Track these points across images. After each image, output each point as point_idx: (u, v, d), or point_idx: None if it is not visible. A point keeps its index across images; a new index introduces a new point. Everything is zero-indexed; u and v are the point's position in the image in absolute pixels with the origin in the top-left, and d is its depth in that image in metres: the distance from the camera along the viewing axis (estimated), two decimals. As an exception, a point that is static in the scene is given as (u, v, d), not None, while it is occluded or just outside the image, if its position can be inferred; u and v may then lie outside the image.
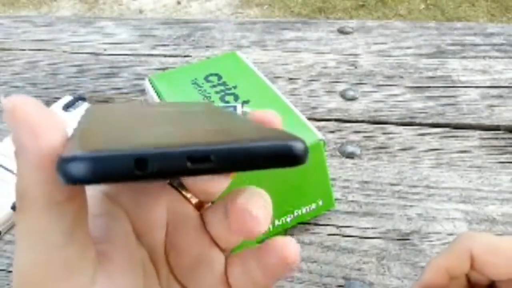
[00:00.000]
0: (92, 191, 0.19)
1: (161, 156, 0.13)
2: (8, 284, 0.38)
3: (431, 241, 0.39)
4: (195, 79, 0.45)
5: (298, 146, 0.14)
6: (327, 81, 0.58)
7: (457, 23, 0.70)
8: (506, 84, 0.56)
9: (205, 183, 0.19)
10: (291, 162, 0.14)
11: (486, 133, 0.49)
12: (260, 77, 0.45)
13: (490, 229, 0.40)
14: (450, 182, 0.44)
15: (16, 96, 0.14)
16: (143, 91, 0.58)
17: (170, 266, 0.20)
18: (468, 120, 0.51)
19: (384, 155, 0.47)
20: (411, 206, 0.42)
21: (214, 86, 0.44)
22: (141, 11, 2.30)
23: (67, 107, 0.54)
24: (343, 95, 0.55)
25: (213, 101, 0.42)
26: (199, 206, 0.20)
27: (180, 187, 0.20)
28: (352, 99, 0.55)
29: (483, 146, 0.47)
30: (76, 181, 0.12)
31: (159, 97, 0.43)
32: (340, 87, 0.57)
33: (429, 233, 0.40)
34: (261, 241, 0.19)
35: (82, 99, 0.55)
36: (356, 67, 0.60)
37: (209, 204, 0.20)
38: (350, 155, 0.47)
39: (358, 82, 0.57)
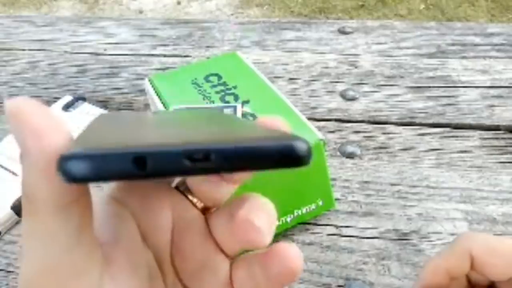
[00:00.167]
0: (99, 194, 0.19)
1: (159, 154, 0.13)
2: (7, 284, 0.38)
3: (431, 241, 0.39)
4: (195, 79, 0.45)
5: (301, 146, 0.13)
6: (327, 81, 0.58)
7: (457, 23, 0.70)
8: (506, 84, 0.55)
9: (211, 188, 0.19)
10: (294, 162, 0.13)
11: (486, 133, 0.49)
12: (260, 77, 0.45)
13: (490, 229, 0.40)
14: (450, 182, 0.44)
15: (19, 98, 0.14)
16: (143, 91, 0.58)
17: (176, 270, 0.20)
18: (468, 120, 0.51)
19: (384, 155, 0.47)
20: (411, 206, 0.42)
21: (214, 86, 0.44)
22: (141, 11, 2.30)
23: (67, 107, 0.54)
24: (343, 95, 0.55)
25: (213, 101, 0.42)
26: (205, 211, 0.20)
27: (186, 191, 0.20)
28: (352, 99, 0.55)
29: (483, 146, 0.47)
30: (76, 179, 0.12)
31: (159, 97, 0.43)
32: (340, 87, 0.57)
33: (429, 233, 0.40)
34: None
35: (82, 99, 0.55)
36: (356, 67, 0.60)
37: (215, 209, 0.20)
38: (350, 155, 0.47)
39: (358, 82, 0.57)
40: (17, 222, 0.43)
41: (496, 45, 0.62)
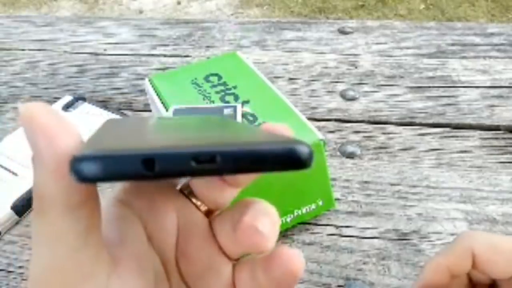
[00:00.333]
0: (106, 197, 0.19)
1: (167, 156, 0.13)
2: (7, 284, 0.38)
3: (431, 241, 0.39)
4: (195, 79, 0.45)
5: (303, 149, 0.14)
6: (327, 81, 0.58)
7: (457, 23, 0.70)
8: (506, 84, 0.55)
9: (214, 191, 0.19)
10: (296, 165, 0.14)
11: (486, 133, 0.49)
12: (260, 77, 0.44)
13: (490, 229, 0.40)
14: (450, 182, 0.44)
15: (32, 103, 0.15)
16: (143, 91, 0.58)
17: (180, 271, 0.20)
18: (469, 120, 0.51)
19: (384, 155, 0.47)
20: (411, 206, 0.42)
21: (214, 86, 0.44)
22: (141, 11, 2.30)
23: (67, 107, 0.54)
24: (343, 95, 0.55)
25: (213, 101, 0.42)
26: (209, 214, 0.20)
27: (190, 195, 0.20)
28: (352, 99, 0.55)
29: (483, 146, 0.47)
30: (88, 179, 0.13)
31: (159, 97, 0.43)
32: (340, 87, 0.57)
33: (429, 233, 0.40)
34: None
35: (82, 99, 0.55)
36: (356, 67, 0.60)
37: (218, 212, 0.20)
38: (350, 155, 0.47)
39: (358, 82, 0.57)
40: (17, 222, 0.43)
41: (496, 45, 0.62)
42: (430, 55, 0.61)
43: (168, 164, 0.13)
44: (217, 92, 0.43)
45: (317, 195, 0.39)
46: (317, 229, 0.41)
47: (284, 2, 2.30)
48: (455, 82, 0.56)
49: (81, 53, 0.67)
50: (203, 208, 0.20)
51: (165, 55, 0.65)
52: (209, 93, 0.43)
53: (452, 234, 0.39)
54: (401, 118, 0.52)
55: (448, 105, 0.53)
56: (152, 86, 0.44)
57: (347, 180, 0.45)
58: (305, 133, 0.38)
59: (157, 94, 0.43)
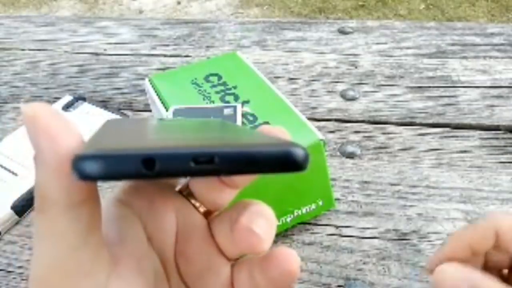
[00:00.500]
0: (107, 198, 0.20)
1: (167, 156, 0.14)
2: (7, 284, 0.38)
3: (431, 241, 0.39)
4: (195, 79, 0.45)
5: (298, 152, 0.14)
6: (327, 81, 0.58)
7: (457, 23, 0.70)
8: (506, 84, 0.56)
9: (213, 192, 0.20)
10: (291, 167, 0.14)
11: (486, 133, 0.49)
12: (260, 77, 0.45)
13: (490, 229, 0.40)
14: (450, 182, 0.44)
15: (35, 104, 0.15)
16: (143, 91, 0.58)
17: (179, 271, 0.20)
18: (468, 120, 0.51)
19: (384, 155, 0.47)
20: (411, 206, 0.42)
21: (214, 86, 0.44)
22: (141, 11, 2.30)
23: (67, 107, 0.54)
24: (343, 95, 0.55)
25: (213, 101, 0.42)
26: (207, 215, 0.20)
27: (189, 196, 0.20)
28: (352, 99, 0.55)
29: (483, 146, 0.47)
30: (89, 177, 0.13)
31: (159, 97, 0.43)
32: (340, 87, 0.57)
33: (429, 233, 0.40)
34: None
35: (82, 99, 0.55)
36: (356, 67, 0.60)
37: (217, 213, 0.21)
38: (350, 155, 0.47)
39: (358, 82, 0.57)
40: (17, 222, 0.43)
41: (496, 45, 0.62)
42: (430, 55, 0.61)
43: (168, 164, 0.14)
44: (217, 92, 0.43)
45: (317, 195, 0.39)
46: (317, 229, 0.41)
47: (284, 2, 2.30)
48: (455, 82, 0.56)
49: (81, 53, 0.67)
50: (202, 209, 0.20)
51: (165, 55, 0.65)
52: (209, 93, 0.43)
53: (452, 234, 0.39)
54: (401, 118, 0.52)
55: (448, 105, 0.53)
56: (152, 86, 0.44)
57: (347, 180, 0.45)
58: (305, 133, 0.38)
59: (157, 94, 0.43)
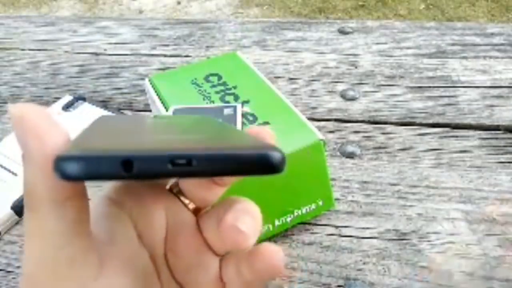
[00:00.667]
0: (97, 196, 0.20)
1: (145, 158, 0.14)
2: (7, 284, 0.38)
3: (431, 241, 0.39)
4: (195, 79, 0.45)
5: (274, 155, 0.15)
6: (327, 81, 0.58)
7: (457, 23, 0.70)
8: (506, 84, 0.56)
9: (201, 190, 0.20)
10: (268, 170, 0.15)
11: (486, 133, 0.49)
12: (260, 77, 0.45)
13: (490, 229, 0.40)
14: (450, 182, 0.44)
15: (22, 104, 0.16)
16: (143, 91, 0.58)
17: (169, 267, 0.21)
18: (468, 120, 0.51)
19: (384, 155, 0.47)
20: (411, 206, 0.42)
21: (214, 86, 0.44)
22: (141, 11, 2.30)
23: (67, 107, 0.54)
24: (343, 95, 0.55)
25: (213, 101, 0.42)
26: (196, 212, 0.21)
27: (179, 194, 0.21)
28: (352, 99, 0.55)
29: (483, 146, 0.47)
30: (70, 178, 0.14)
31: (159, 97, 0.43)
32: (340, 87, 0.57)
33: (429, 233, 0.40)
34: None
35: (82, 99, 0.55)
36: (356, 67, 0.60)
37: (205, 210, 0.21)
38: (350, 155, 0.47)
39: (358, 82, 0.57)
40: (17, 222, 0.43)
41: (496, 45, 0.62)
42: (430, 55, 0.61)
43: (145, 166, 0.14)
44: (217, 92, 0.43)
45: (317, 195, 0.39)
46: (317, 229, 0.41)
47: (284, 2, 2.29)
48: (455, 82, 0.56)
49: (81, 53, 0.67)
50: (191, 206, 0.21)
51: (165, 55, 0.65)
52: (209, 93, 0.43)
53: (452, 234, 0.39)
54: (401, 118, 0.52)
55: (448, 105, 0.53)
56: (152, 86, 0.44)
57: (347, 180, 0.45)
58: (305, 133, 0.38)
59: (157, 94, 0.43)
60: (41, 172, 0.15)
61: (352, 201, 0.43)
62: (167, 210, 0.20)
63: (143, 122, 0.22)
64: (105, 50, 0.67)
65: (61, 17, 0.77)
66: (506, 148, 0.47)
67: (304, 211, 0.39)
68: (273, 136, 0.19)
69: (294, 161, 0.36)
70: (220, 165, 0.14)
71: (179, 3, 2.35)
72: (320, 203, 0.40)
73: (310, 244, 0.39)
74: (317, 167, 0.38)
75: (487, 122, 0.50)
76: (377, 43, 0.64)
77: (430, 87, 0.56)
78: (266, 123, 0.39)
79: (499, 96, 0.54)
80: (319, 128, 0.49)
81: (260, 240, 0.21)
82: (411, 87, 0.56)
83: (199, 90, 0.43)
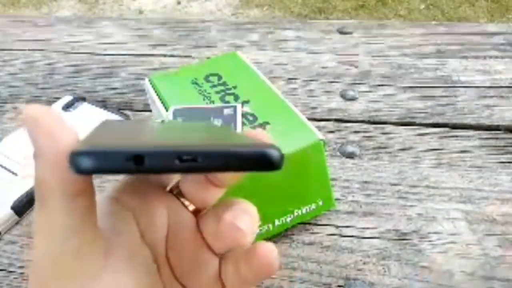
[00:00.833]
0: (103, 196, 0.21)
1: (155, 154, 0.15)
2: (8, 284, 0.38)
3: (431, 241, 0.39)
4: (195, 79, 0.45)
5: (274, 153, 0.16)
6: (326, 81, 0.58)
7: (457, 23, 0.70)
8: (506, 84, 0.56)
9: (201, 192, 0.21)
10: (267, 166, 0.16)
11: (486, 133, 0.49)
12: (260, 77, 0.45)
13: (490, 229, 0.40)
14: (450, 182, 0.44)
15: (35, 106, 0.17)
16: (142, 91, 0.58)
17: (171, 266, 0.21)
18: (468, 120, 0.51)
19: (384, 155, 0.47)
20: (411, 206, 0.42)
21: (214, 86, 0.44)
22: (141, 11, 2.30)
23: (67, 107, 0.54)
24: (342, 95, 0.55)
25: (213, 101, 0.42)
26: (196, 213, 0.22)
27: (179, 195, 0.22)
28: (352, 99, 0.55)
29: (483, 146, 0.47)
30: (85, 171, 0.15)
31: (159, 97, 0.43)
32: (340, 87, 0.57)
33: (429, 233, 0.40)
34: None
35: (82, 99, 0.55)
36: (355, 67, 0.60)
37: (205, 211, 0.22)
38: (350, 155, 0.47)
39: (358, 82, 0.57)
40: (17, 222, 0.43)
41: (496, 45, 0.62)
42: (430, 55, 0.61)
43: (155, 161, 0.15)
44: (217, 92, 0.43)
45: (317, 195, 0.39)
46: (317, 229, 0.41)
47: (284, 2, 2.30)
48: (455, 82, 0.56)
49: (80, 53, 0.67)
50: (191, 207, 0.22)
51: (165, 55, 0.65)
52: (209, 93, 0.43)
53: (452, 234, 0.39)
54: (400, 118, 0.52)
55: (448, 105, 0.53)
56: (152, 86, 0.44)
57: (347, 180, 0.45)
58: (305, 133, 0.38)
59: (157, 94, 0.43)
60: (53, 168, 0.16)
61: (352, 201, 0.43)
62: (168, 210, 0.21)
63: (147, 125, 0.23)
64: (104, 50, 0.67)
65: (60, 17, 0.77)
66: (506, 148, 0.47)
67: (304, 211, 0.39)
68: (270, 138, 0.20)
69: (294, 161, 0.36)
70: (223, 161, 0.16)
71: (179, 3, 2.35)
72: (320, 203, 0.40)
73: (310, 244, 0.39)
74: (317, 167, 0.38)
75: (487, 122, 0.50)
76: (377, 43, 0.64)
77: (430, 87, 0.56)
78: (266, 123, 0.39)
79: (499, 96, 0.54)
80: (319, 128, 0.49)
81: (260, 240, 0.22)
82: (411, 87, 0.56)
83: (199, 90, 0.43)
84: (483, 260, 0.37)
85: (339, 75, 0.59)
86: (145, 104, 0.56)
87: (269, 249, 0.20)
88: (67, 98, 0.55)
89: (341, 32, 0.67)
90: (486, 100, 0.53)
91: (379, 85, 0.57)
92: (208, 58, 0.63)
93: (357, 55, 0.62)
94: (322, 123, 0.51)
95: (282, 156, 0.16)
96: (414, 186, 0.44)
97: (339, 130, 0.50)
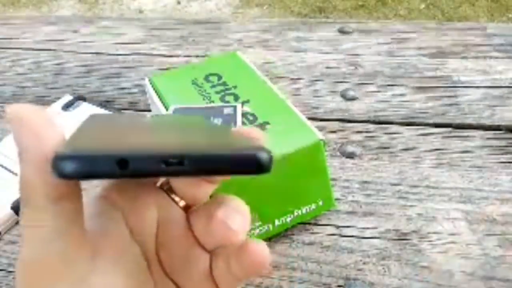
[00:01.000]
0: (91, 194, 0.21)
1: (140, 158, 0.15)
2: (8, 284, 0.38)
3: (431, 241, 0.39)
4: (195, 79, 0.45)
5: (263, 156, 0.15)
6: (328, 81, 0.58)
7: (457, 23, 0.70)
8: (507, 84, 0.55)
9: (191, 188, 0.21)
10: (256, 170, 0.15)
11: (487, 133, 0.49)
12: (260, 77, 0.44)
13: (490, 229, 0.40)
14: (451, 182, 0.44)
15: (20, 105, 0.16)
16: (143, 91, 0.58)
17: (161, 263, 0.21)
18: (469, 120, 0.51)
19: (385, 155, 0.47)
20: (411, 206, 0.42)
21: (214, 86, 0.43)
22: (141, 11, 2.30)
23: (66, 106, 0.54)
24: (344, 95, 0.55)
25: (213, 101, 0.42)
26: (186, 209, 0.22)
27: (169, 191, 0.21)
28: (353, 99, 0.55)
29: (484, 146, 0.47)
30: (67, 176, 0.14)
31: (159, 97, 0.43)
32: (341, 87, 0.57)
33: (429, 233, 0.40)
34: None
35: (82, 99, 0.55)
36: (356, 67, 0.60)
37: (195, 207, 0.22)
38: (351, 155, 0.47)
39: (359, 82, 0.57)
40: (17, 222, 0.43)
41: (497, 45, 0.62)
42: (430, 55, 0.61)
43: (140, 165, 0.15)
44: (217, 92, 0.43)
45: (317, 195, 0.39)
46: (317, 229, 0.41)
47: (284, 2, 2.29)
48: (455, 82, 0.56)
49: (83, 53, 0.67)
50: (182, 203, 0.21)
51: (165, 55, 0.65)
52: (209, 93, 0.43)
53: (452, 234, 0.39)
54: (401, 118, 0.52)
55: (448, 105, 0.53)
56: (152, 86, 0.44)
57: (347, 180, 0.45)
58: (305, 133, 0.38)
59: (157, 94, 0.43)
60: (38, 169, 0.16)
61: (352, 201, 0.43)
62: (158, 207, 0.21)
63: (135, 120, 0.23)
64: (105, 50, 0.67)
65: (63, 17, 0.77)
66: (507, 148, 0.47)
67: (304, 211, 0.39)
68: (264, 137, 0.20)
69: (294, 161, 0.36)
70: (210, 165, 0.15)
71: (179, 3, 2.35)
72: (320, 203, 0.40)
73: (310, 244, 0.39)
74: (317, 167, 0.38)
75: (488, 122, 0.50)
76: (377, 43, 0.64)
77: (430, 87, 0.56)
78: (266, 123, 0.39)
79: (499, 96, 0.54)
80: (321, 128, 0.49)
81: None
82: (412, 87, 0.56)
83: (199, 90, 0.43)
84: (483, 260, 0.37)
85: (340, 75, 0.59)
86: (147, 104, 0.56)
87: (260, 247, 0.20)
88: (67, 98, 0.55)
89: (342, 32, 0.67)
90: (487, 100, 0.53)
91: (380, 85, 0.57)
92: (208, 58, 0.63)
93: (358, 55, 0.62)
94: (324, 123, 0.51)
95: (271, 159, 0.15)
96: (414, 186, 0.44)
97: (340, 130, 0.50)
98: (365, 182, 0.44)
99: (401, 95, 0.55)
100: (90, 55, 0.66)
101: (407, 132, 0.50)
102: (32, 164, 0.16)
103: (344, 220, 0.41)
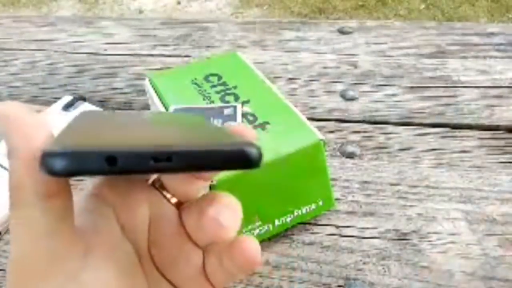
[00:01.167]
0: (82, 192, 0.21)
1: (128, 154, 0.15)
2: (8, 284, 0.38)
3: (431, 241, 0.39)
4: (195, 79, 0.45)
5: (251, 150, 0.15)
6: (327, 81, 0.58)
7: (457, 23, 0.70)
8: (506, 84, 0.56)
9: (183, 185, 0.21)
10: (245, 165, 0.15)
11: (486, 133, 0.49)
12: (260, 77, 0.45)
13: (489, 229, 0.40)
14: (450, 182, 0.44)
15: (8, 103, 0.17)
16: (143, 91, 0.58)
17: (153, 260, 0.21)
18: (468, 120, 0.51)
19: (384, 155, 0.47)
20: (411, 206, 0.42)
21: (214, 86, 0.44)
22: (141, 11, 2.30)
23: (67, 107, 0.54)
24: (343, 95, 0.55)
25: (213, 101, 0.42)
26: (178, 205, 0.22)
27: (161, 188, 0.21)
28: (352, 99, 0.55)
29: (483, 146, 0.47)
30: (56, 173, 0.14)
31: (159, 97, 0.43)
32: (340, 87, 0.57)
33: (429, 233, 0.40)
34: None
35: (82, 99, 0.55)
36: (356, 67, 0.60)
37: (187, 203, 0.22)
38: (350, 155, 0.47)
39: (358, 82, 0.57)
40: (17, 222, 0.43)
41: (496, 45, 0.62)
42: (430, 55, 0.61)
43: (129, 162, 0.15)
44: (217, 92, 0.43)
45: (317, 195, 0.39)
46: (317, 229, 0.41)
47: (284, 2, 2.29)
48: (455, 82, 0.56)
49: (81, 53, 0.67)
50: (173, 200, 0.21)
51: (165, 55, 0.65)
52: (209, 93, 0.43)
53: (452, 234, 0.39)
54: (400, 118, 0.52)
55: (447, 105, 0.53)
56: (152, 86, 0.44)
57: (347, 180, 0.45)
58: (305, 133, 0.38)
59: (157, 94, 0.43)
60: (27, 167, 0.16)
61: (352, 201, 0.43)
62: (149, 204, 0.21)
63: (126, 118, 0.23)
64: (105, 50, 0.67)
65: (60, 17, 0.77)
66: (506, 148, 0.47)
67: (304, 211, 0.39)
68: (254, 133, 0.20)
69: (294, 161, 0.36)
70: (198, 160, 0.15)
71: (179, 3, 2.35)
72: (320, 203, 0.40)
73: (310, 244, 0.39)
74: (317, 167, 0.38)
75: (487, 122, 0.50)
76: (377, 43, 0.64)
77: (430, 87, 0.56)
78: (266, 123, 0.39)
79: (499, 96, 0.54)
80: (319, 128, 0.49)
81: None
82: (411, 87, 0.56)
83: (199, 90, 0.43)
84: (483, 260, 0.37)
85: (340, 75, 0.59)
86: (145, 104, 0.56)
87: (251, 244, 0.20)
88: (67, 98, 0.55)
89: (342, 32, 0.67)
90: (486, 100, 0.53)
91: (379, 85, 0.57)
92: (208, 58, 0.63)
93: (357, 55, 0.62)
94: (322, 123, 0.51)
95: (260, 154, 0.15)
96: (414, 186, 0.44)
97: (339, 130, 0.50)
98: (365, 182, 0.44)
99: (400, 95, 0.55)
100: (87, 55, 0.66)
101: (406, 132, 0.50)
102: (21, 161, 0.16)
103: (344, 220, 0.41)
